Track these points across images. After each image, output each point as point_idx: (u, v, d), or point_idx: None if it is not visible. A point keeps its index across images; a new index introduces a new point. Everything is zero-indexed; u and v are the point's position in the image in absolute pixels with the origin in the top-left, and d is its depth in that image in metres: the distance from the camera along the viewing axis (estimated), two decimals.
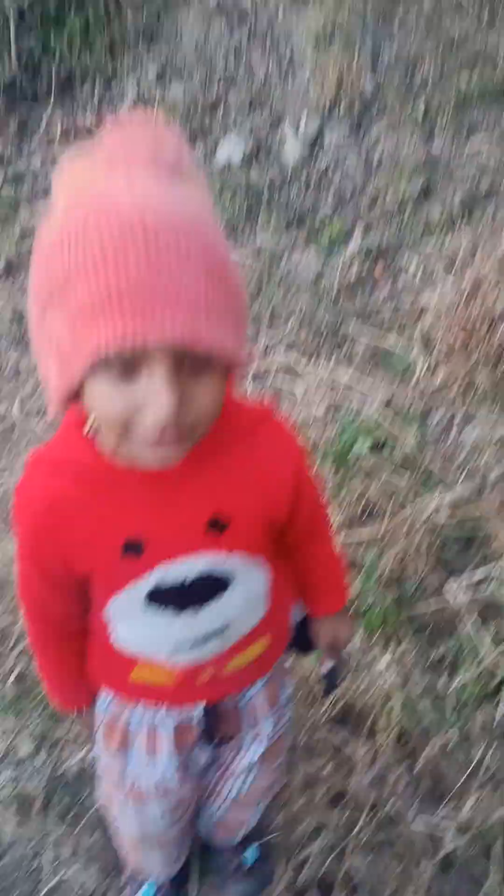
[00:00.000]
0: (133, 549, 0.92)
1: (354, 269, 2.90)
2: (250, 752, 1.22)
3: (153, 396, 0.71)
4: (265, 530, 1.00)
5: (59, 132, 3.64)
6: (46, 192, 3.48)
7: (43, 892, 1.52)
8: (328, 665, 1.30)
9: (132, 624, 0.99)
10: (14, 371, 2.72)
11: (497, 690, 1.72)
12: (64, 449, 0.91)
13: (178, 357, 0.71)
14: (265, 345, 2.66)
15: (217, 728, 1.13)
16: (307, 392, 2.50)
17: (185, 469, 0.88)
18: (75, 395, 0.75)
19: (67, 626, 1.04)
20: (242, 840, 1.48)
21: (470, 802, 1.52)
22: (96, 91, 3.77)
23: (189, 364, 0.72)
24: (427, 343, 2.59)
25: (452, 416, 2.37)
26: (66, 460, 0.89)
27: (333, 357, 2.62)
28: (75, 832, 1.58)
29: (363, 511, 2.08)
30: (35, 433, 2.48)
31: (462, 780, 1.58)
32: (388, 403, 2.42)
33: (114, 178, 0.72)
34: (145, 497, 0.90)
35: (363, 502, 2.09)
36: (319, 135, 3.37)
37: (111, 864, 1.54)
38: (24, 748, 1.71)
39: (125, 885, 1.51)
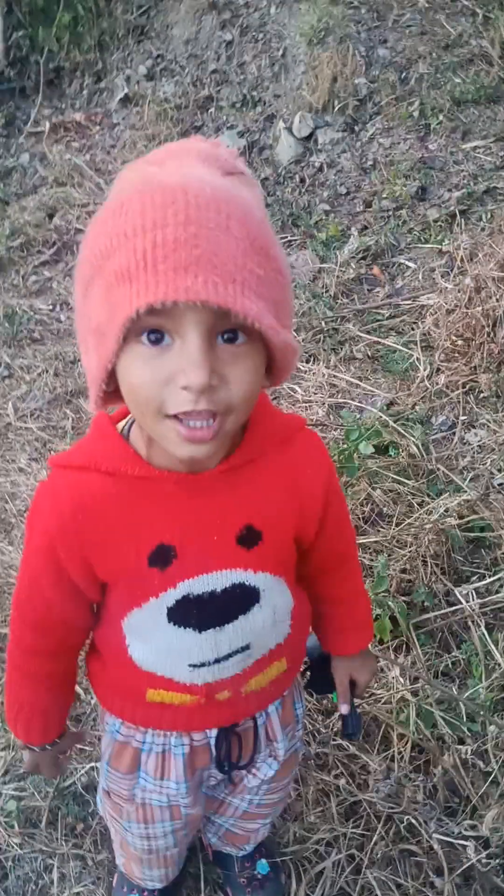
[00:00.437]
0: (162, 557, 0.89)
1: (352, 269, 2.87)
2: (263, 769, 1.18)
3: (186, 361, 0.70)
4: (292, 548, 0.97)
5: (47, 128, 3.58)
6: (35, 188, 3.42)
7: None
8: (346, 708, 1.19)
9: (151, 639, 0.95)
10: (7, 372, 2.66)
11: None
12: (94, 451, 0.88)
13: (212, 327, 0.70)
14: None
15: (231, 752, 1.09)
16: (307, 393, 2.47)
17: (220, 476, 0.87)
18: (110, 379, 0.75)
19: (66, 639, 1.00)
20: (254, 850, 1.44)
21: (491, 814, 1.48)
22: (85, 86, 3.71)
23: (225, 339, 0.72)
24: (428, 345, 2.56)
25: (456, 419, 2.34)
26: (98, 462, 0.87)
27: (333, 358, 2.59)
28: (83, 847, 1.53)
29: (369, 515, 2.05)
30: (30, 434, 2.42)
31: (481, 791, 1.55)
32: (389, 406, 2.39)
33: (166, 167, 0.72)
34: (177, 504, 0.87)
35: (368, 507, 2.05)
36: (313, 134, 3.34)
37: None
38: None
39: (115, 888, 1.46)
